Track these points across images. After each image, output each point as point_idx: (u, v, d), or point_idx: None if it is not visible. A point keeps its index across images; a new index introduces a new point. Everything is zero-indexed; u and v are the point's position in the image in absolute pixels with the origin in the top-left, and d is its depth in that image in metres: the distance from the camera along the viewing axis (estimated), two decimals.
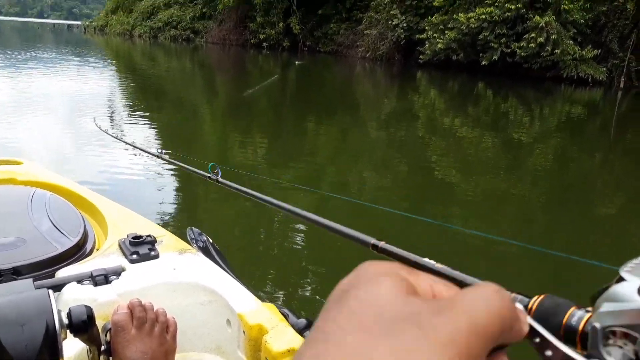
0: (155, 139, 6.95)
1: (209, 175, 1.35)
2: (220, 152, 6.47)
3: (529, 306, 0.37)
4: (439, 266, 0.61)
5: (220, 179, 1.32)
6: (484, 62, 18.43)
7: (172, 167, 5.54)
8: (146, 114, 8.86)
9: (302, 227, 4.12)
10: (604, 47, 17.57)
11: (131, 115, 8.60)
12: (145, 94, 11.61)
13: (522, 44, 17.42)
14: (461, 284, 0.54)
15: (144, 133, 7.15)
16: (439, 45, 19.44)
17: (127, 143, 2.13)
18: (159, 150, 1.70)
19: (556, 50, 16.97)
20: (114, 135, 2.67)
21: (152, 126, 7.88)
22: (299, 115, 9.98)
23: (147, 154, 1.73)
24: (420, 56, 20.71)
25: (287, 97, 12.52)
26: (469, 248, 3.69)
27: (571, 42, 17.17)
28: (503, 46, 17.96)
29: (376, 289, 0.23)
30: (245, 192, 1.17)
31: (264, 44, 27.90)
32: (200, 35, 32.50)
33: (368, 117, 10.27)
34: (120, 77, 15.06)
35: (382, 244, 0.74)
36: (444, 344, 0.20)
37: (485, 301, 0.22)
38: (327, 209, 4.40)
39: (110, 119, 8.10)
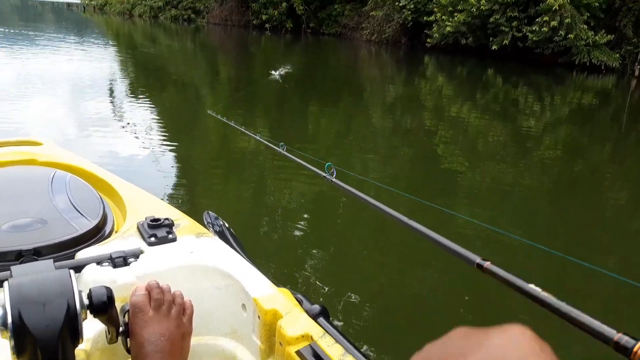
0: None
1: (324, 174, 1.39)
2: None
3: (635, 350, 0.36)
4: (544, 294, 0.60)
5: (334, 180, 1.35)
6: (494, 47, 18.25)
7: (186, 151, 5.63)
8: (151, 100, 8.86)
9: (318, 215, 4.18)
10: (618, 32, 17.38)
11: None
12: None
13: (534, 28, 17.21)
14: (564, 316, 0.55)
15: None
16: (448, 29, 19.24)
17: (250, 133, 2.16)
18: (280, 144, 1.75)
19: (569, 35, 16.78)
20: (233, 124, 2.70)
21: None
22: (304, 100, 9.96)
23: (265, 144, 1.75)
24: (428, 40, 20.53)
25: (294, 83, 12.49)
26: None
27: (585, 26, 16.97)
28: (514, 30, 17.75)
29: None
30: (356, 196, 1.20)
31: (267, 25, 27.69)
32: (201, 15, 32.26)
33: (373, 103, 10.25)
34: (136, 61, 15.02)
35: (487, 264, 0.74)
36: None
37: None
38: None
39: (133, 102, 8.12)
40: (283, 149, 1.76)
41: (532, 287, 0.62)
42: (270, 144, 1.87)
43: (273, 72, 7.67)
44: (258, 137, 2.06)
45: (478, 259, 0.76)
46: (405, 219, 1.04)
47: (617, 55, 17.28)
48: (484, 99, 11.37)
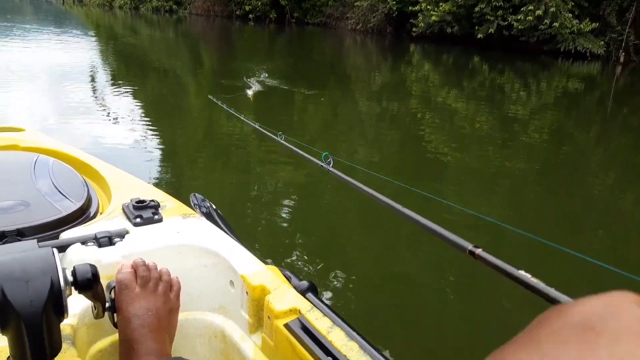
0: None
1: (322, 164, 1.39)
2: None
3: None
4: (533, 280, 0.61)
5: (332, 169, 1.37)
6: (479, 35, 18.37)
7: (172, 136, 5.63)
8: (134, 87, 8.80)
9: (306, 196, 4.22)
10: (602, 20, 17.57)
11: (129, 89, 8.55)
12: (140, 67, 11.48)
13: (519, 17, 17.36)
14: (553, 301, 0.55)
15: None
16: (433, 18, 19.31)
17: (249, 122, 2.18)
18: (279, 133, 1.76)
19: (554, 24, 16.95)
20: (232, 111, 2.70)
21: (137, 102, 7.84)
22: (290, 89, 9.94)
23: (264, 133, 1.78)
24: (413, 29, 20.59)
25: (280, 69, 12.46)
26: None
27: (570, 15, 17.15)
28: (499, 19, 17.89)
29: None
30: (353, 185, 1.22)
31: (250, 16, 27.54)
32: (183, 6, 31.97)
33: (361, 91, 10.26)
34: (113, 51, 14.86)
35: (479, 251, 0.75)
36: None
37: None
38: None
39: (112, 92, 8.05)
40: (281, 138, 1.79)
41: (522, 273, 0.64)
42: (269, 133, 1.89)
43: (247, 89, 6.57)
44: (257, 126, 2.08)
45: (470, 246, 0.78)
46: (400, 207, 1.07)
47: (602, 42, 17.48)
48: (470, 87, 11.44)
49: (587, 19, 17.30)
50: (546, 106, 9.56)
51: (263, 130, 1.93)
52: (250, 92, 6.50)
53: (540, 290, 0.59)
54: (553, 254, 3.40)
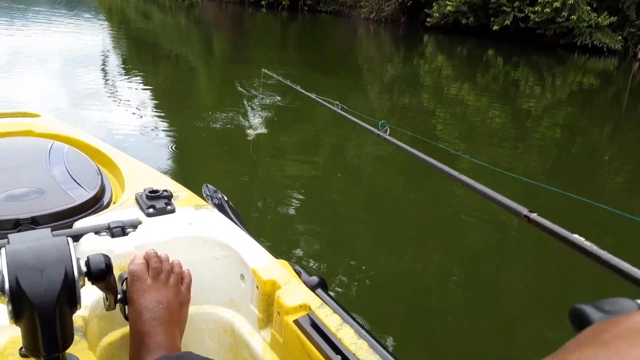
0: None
1: (378, 132, 1.43)
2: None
3: None
4: (587, 244, 0.63)
5: (388, 137, 1.41)
6: (495, 27, 18.16)
7: (182, 125, 5.65)
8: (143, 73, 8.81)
9: (317, 190, 4.23)
10: (621, 14, 17.30)
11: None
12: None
13: (536, 9, 17.11)
14: (606, 264, 0.56)
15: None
16: (448, 8, 19.10)
17: (306, 93, 2.25)
18: (336, 103, 1.82)
19: (572, 17, 16.69)
20: (288, 82, 2.75)
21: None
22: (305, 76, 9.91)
23: (322, 104, 1.87)
24: (428, 19, 20.39)
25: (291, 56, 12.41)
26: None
27: (588, 7, 16.88)
28: (516, 10, 17.66)
29: None
30: (411, 153, 1.25)
31: (263, 2, 27.38)
32: None
33: (372, 83, 10.21)
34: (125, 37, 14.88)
35: (533, 215, 0.76)
36: None
37: None
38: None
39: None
40: (338, 108, 1.84)
41: (576, 237, 0.66)
42: (326, 104, 1.95)
43: (247, 131, 5.71)
44: (314, 97, 2.13)
45: (525, 211, 0.79)
46: (456, 174, 1.10)
47: (620, 37, 17.23)
48: (484, 80, 11.34)
49: (606, 12, 17.02)
50: (561, 102, 9.46)
51: (320, 100, 1.97)
52: (251, 134, 5.30)
53: (594, 254, 0.60)
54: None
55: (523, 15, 17.58)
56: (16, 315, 0.70)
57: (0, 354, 0.82)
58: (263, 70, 3.76)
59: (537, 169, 5.49)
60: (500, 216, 3.97)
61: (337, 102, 1.81)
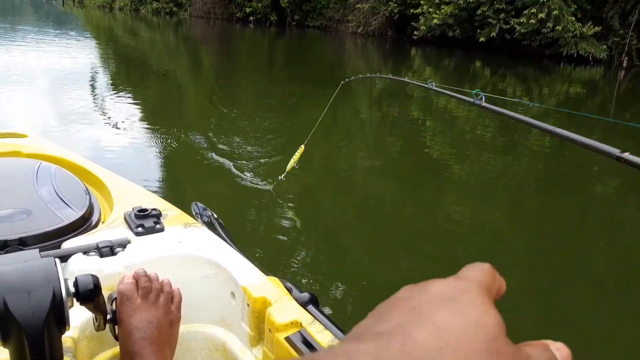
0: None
1: (473, 100, 1.49)
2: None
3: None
4: None
5: (484, 104, 1.47)
6: (481, 39, 18.38)
7: (179, 140, 5.65)
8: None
9: (306, 206, 4.23)
10: (605, 23, 17.58)
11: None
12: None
13: (521, 20, 17.35)
14: None
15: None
16: (435, 21, 19.31)
17: (398, 78, 2.44)
18: (429, 81, 1.93)
19: (557, 27, 16.93)
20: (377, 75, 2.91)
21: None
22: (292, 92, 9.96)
23: (415, 84, 2.07)
24: (415, 32, 20.60)
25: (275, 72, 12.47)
26: None
27: (572, 18, 17.16)
28: (502, 22, 17.89)
29: (485, 317, 0.24)
30: (508, 115, 1.32)
31: (251, 18, 27.57)
32: (183, 8, 32.02)
33: (362, 96, 10.28)
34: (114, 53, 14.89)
35: (626, 154, 0.79)
36: None
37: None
38: None
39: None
40: (432, 85, 1.97)
41: None
42: (420, 83, 2.12)
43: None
44: (407, 80, 2.38)
45: (617, 152, 0.81)
46: (551, 127, 1.25)
47: (605, 46, 17.48)
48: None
49: (590, 23, 17.29)
50: (549, 112, 9.56)
51: (414, 82, 2.11)
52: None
53: None
54: None
55: (509, 26, 17.81)
56: (4, 337, 0.69)
57: None
58: (343, 81, 3.82)
59: (529, 175, 5.54)
60: (494, 224, 4.00)
61: (430, 80, 1.92)
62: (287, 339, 0.99)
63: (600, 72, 16.22)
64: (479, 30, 18.55)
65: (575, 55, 17.32)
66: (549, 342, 0.28)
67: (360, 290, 3.03)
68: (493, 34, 18.03)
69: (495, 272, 0.30)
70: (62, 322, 0.73)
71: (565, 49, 17.40)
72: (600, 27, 17.34)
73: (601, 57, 17.38)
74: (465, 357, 0.22)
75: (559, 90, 12.45)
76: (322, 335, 0.98)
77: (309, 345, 0.97)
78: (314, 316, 1.04)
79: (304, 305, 1.09)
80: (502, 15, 17.87)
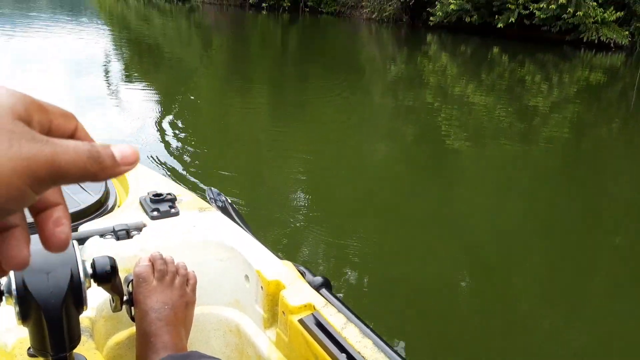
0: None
1: None
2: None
3: None
4: None
5: None
6: (499, 25, 18.12)
7: (184, 129, 5.68)
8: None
9: (321, 188, 4.27)
10: (627, 8, 17.24)
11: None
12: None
13: (541, 5, 17.06)
14: None
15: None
16: (452, 6, 19.06)
17: None
18: None
19: (578, 13, 16.63)
20: None
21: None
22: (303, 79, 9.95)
23: None
24: (431, 18, 20.37)
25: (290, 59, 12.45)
26: None
27: (594, 3, 16.84)
28: (521, 7, 17.62)
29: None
30: None
31: (263, 4, 27.43)
32: None
33: (376, 82, 10.23)
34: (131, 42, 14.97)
35: None
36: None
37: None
38: None
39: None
40: None
41: None
42: None
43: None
44: None
45: None
46: None
47: (627, 32, 17.16)
48: (490, 78, 11.34)
49: (612, 8, 16.97)
50: (568, 99, 9.45)
51: None
52: None
53: None
54: None
55: (528, 12, 17.52)
56: (23, 317, 0.72)
57: (9, 354, 0.84)
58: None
59: (547, 165, 5.50)
60: (509, 214, 3.99)
61: None
62: (301, 321, 1.01)
63: (621, 58, 15.94)
64: (497, 16, 18.29)
65: (596, 41, 17.02)
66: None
67: (372, 275, 3.06)
68: (512, 19, 17.75)
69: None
70: (79, 303, 0.75)
71: (585, 34, 17.09)
72: (622, 12, 17.01)
73: (623, 43, 17.07)
74: None
75: (579, 76, 12.27)
76: (335, 317, 1.00)
77: (322, 327, 0.99)
78: (326, 299, 1.06)
79: (317, 288, 1.10)
80: (521, 1, 17.58)
